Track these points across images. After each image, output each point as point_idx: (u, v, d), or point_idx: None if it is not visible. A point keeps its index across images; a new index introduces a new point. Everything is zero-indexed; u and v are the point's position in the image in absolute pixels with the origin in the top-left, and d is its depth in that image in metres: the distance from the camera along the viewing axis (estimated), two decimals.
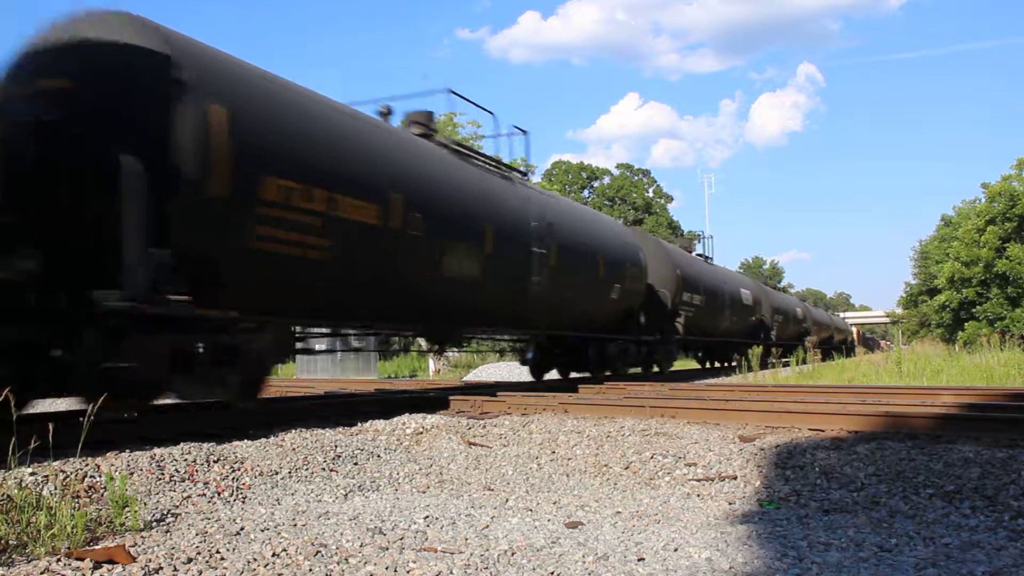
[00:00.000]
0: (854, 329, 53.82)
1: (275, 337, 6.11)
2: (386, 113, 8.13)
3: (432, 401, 7.63)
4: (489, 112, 11.62)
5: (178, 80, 5.18)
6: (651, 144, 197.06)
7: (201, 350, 5.29)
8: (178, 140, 5.08)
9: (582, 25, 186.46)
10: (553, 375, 12.91)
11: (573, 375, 12.75)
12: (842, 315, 70.53)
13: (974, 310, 31.31)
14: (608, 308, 11.63)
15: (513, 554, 2.59)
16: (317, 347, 9.61)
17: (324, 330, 8.04)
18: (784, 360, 22.84)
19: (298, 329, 7.25)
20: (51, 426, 3.14)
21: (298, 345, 7.42)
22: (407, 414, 6.22)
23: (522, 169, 11.58)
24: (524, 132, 10.67)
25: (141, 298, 4.72)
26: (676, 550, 2.67)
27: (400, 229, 6.94)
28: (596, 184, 56.44)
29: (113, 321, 4.64)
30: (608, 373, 12.45)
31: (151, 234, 4.82)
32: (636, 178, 58.17)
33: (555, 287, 9.71)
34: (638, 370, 14.02)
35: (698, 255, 18.99)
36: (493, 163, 9.56)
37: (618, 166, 59.70)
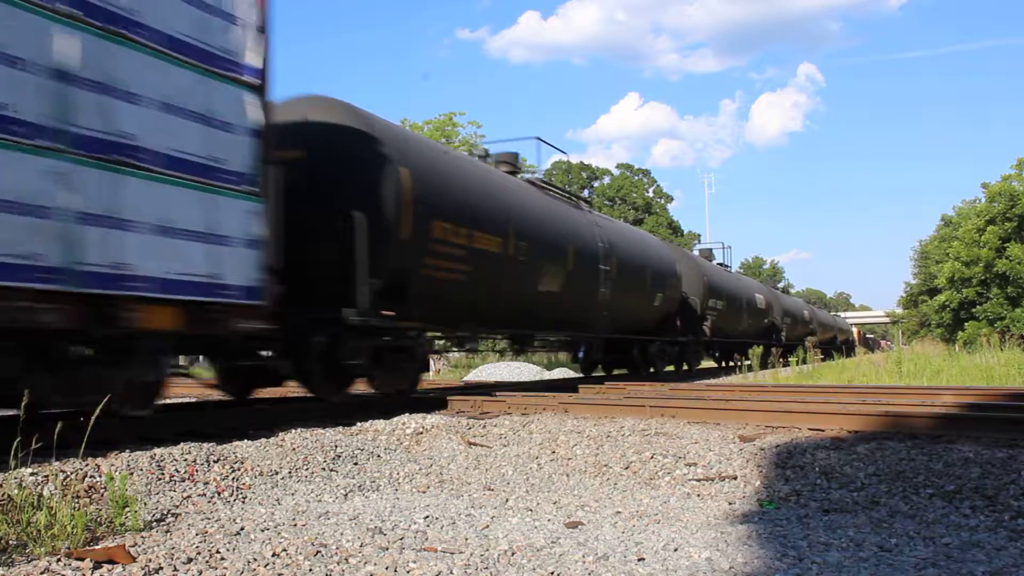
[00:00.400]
0: (855, 330, 53.90)
1: (430, 339, 8.47)
2: (483, 156, 10.49)
3: (432, 401, 7.63)
4: (564, 153, 15.18)
5: (381, 153, 6.91)
6: (651, 144, 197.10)
7: (391, 350, 7.33)
8: (384, 197, 6.83)
9: (582, 25, 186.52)
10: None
11: (616, 371, 14.81)
12: (842, 315, 70.63)
13: (974, 310, 31.30)
14: (652, 313, 13.65)
15: (513, 554, 2.59)
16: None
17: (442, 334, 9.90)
18: (784, 360, 23.05)
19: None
20: (58, 425, 3.15)
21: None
22: (407, 414, 6.22)
23: (586, 198, 13.62)
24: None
25: (367, 314, 6.55)
26: (676, 550, 2.67)
27: (513, 255, 8.85)
28: (596, 184, 56.43)
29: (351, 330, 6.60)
30: (652, 370, 14.26)
31: (371, 267, 6.57)
32: (636, 178, 58.15)
33: (614, 297, 11.62)
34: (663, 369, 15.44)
35: (718, 263, 20.94)
36: (566, 194, 12.08)
37: (618, 166, 59.71)
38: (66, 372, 4.61)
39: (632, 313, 12.75)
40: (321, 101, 7.11)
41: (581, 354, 13.84)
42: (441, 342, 10.10)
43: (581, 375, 15.10)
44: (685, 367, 16.23)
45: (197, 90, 5.09)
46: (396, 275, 7.02)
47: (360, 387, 7.54)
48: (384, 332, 7.11)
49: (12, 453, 3.01)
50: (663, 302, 13.77)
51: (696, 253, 19.53)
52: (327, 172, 6.71)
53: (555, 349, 13.75)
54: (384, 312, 6.82)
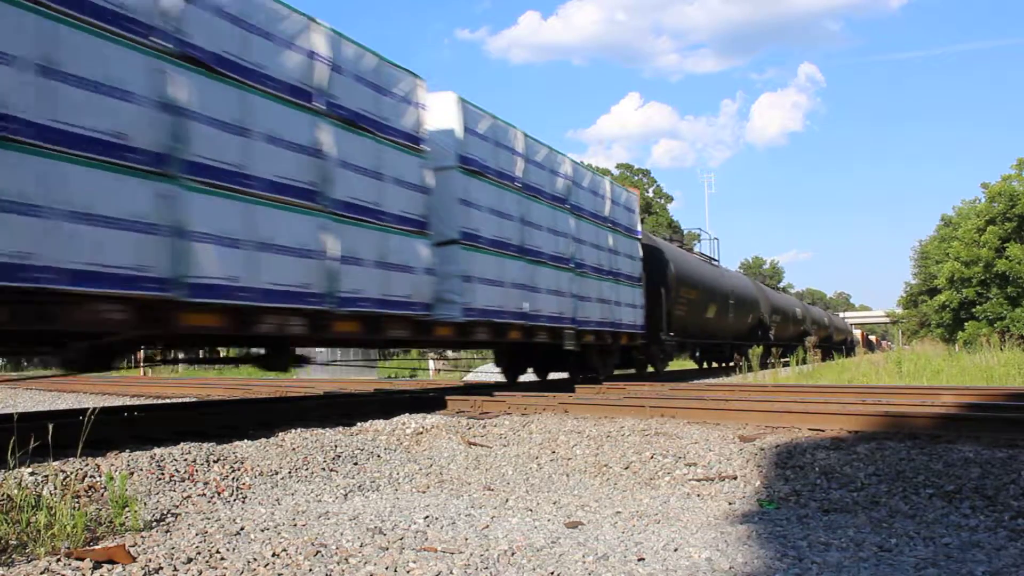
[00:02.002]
0: (858, 332, 54.02)
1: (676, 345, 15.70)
2: (675, 238, 18.94)
3: (432, 401, 7.63)
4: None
5: (665, 259, 14.39)
6: (651, 144, 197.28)
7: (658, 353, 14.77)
8: (667, 278, 14.27)
9: (582, 25, 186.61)
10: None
11: (714, 365, 22.32)
12: (842, 315, 70.65)
13: (974, 310, 31.29)
14: (746, 327, 21.21)
15: (513, 554, 2.59)
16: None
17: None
18: (784, 360, 23.52)
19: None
20: (50, 426, 3.15)
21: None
22: (407, 414, 6.22)
23: (715, 258, 20.86)
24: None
25: (668, 335, 14.17)
26: (676, 550, 2.67)
27: (701, 300, 16.65)
28: None
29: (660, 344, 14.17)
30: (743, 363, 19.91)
31: (664, 310, 14.06)
32: (636, 178, 58.15)
33: (733, 318, 19.40)
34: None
35: (761, 281, 28.15)
36: (707, 257, 19.97)
37: (618, 166, 59.72)
38: (577, 359, 11.99)
39: (739, 327, 20.34)
40: (647, 235, 14.65)
41: (697, 353, 21.21)
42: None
43: (696, 367, 22.28)
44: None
45: (602, 235, 11.93)
46: (669, 314, 14.37)
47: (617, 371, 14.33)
48: (661, 342, 14.20)
49: (10, 452, 3.01)
50: (751, 318, 21.48)
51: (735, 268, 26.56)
52: (650, 268, 13.80)
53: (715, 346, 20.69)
54: (671, 334, 14.53)
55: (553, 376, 12.92)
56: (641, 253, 13.32)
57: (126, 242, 4.45)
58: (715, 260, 20.65)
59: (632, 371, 15.53)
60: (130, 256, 4.48)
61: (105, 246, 4.33)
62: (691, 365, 23.26)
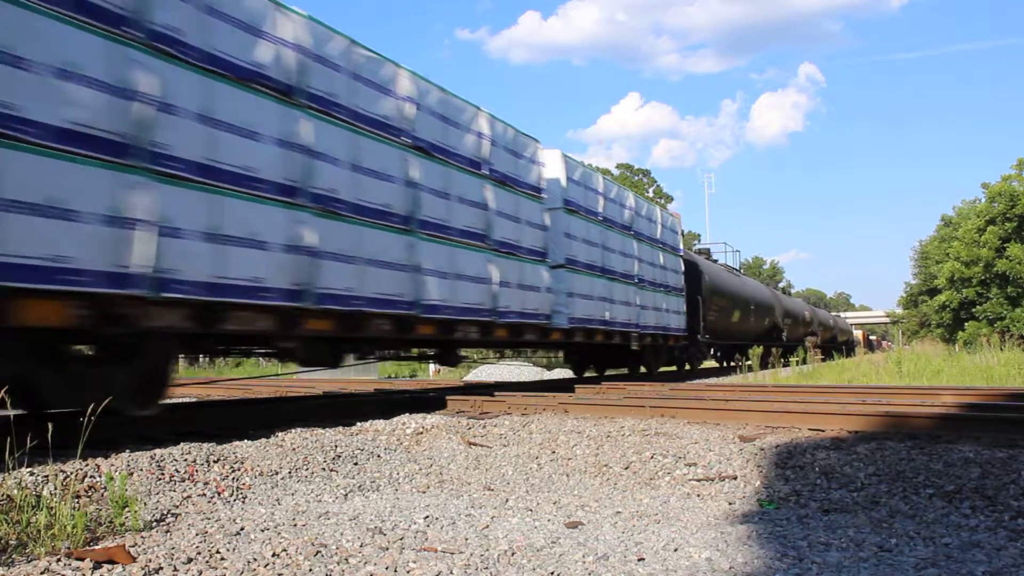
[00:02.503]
0: (859, 332, 54.13)
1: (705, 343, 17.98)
2: (704, 252, 21.16)
3: (432, 401, 7.63)
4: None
5: (700, 270, 17.02)
6: (652, 144, 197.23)
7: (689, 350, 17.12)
8: (703, 288, 16.84)
9: (582, 25, 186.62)
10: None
11: (732, 364, 23.69)
12: (842, 315, 70.67)
13: (974, 310, 31.29)
14: (763, 329, 23.39)
15: (513, 554, 2.59)
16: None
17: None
18: (784, 360, 23.78)
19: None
20: (50, 426, 3.14)
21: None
22: (407, 414, 6.22)
23: (738, 269, 23.15)
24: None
25: (703, 337, 16.74)
26: (676, 550, 2.67)
27: (729, 307, 18.87)
28: None
29: (696, 342, 16.82)
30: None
31: (701, 316, 16.73)
32: (636, 178, 58.15)
33: (754, 322, 21.70)
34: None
35: (775, 288, 31.56)
36: (732, 268, 23.41)
37: (618, 166, 59.72)
38: (618, 357, 14.64)
39: (759, 329, 22.50)
40: (687, 252, 17.23)
41: (719, 353, 22.60)
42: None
43: (717, 365, 23.32)
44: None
45: (655, 255, 14.36)
46: (704, 319, 16.65)
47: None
48: (693, 341, 16.35)
49: (9, 452, 3.01)
50: (768, 321, 23.66)
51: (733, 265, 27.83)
52: (689, 280, 16.17)
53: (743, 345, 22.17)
54: (705, 335, 16.76)
55: (610, 372, 15.71)
56: (683, 268, 16.01)
57: (392, 278, 6.71)
58: (738, 271, 24.75)
59: (629, 371, 16.03)
60: (394, 287, 6.73)
61: (383, 281, 6.59)
62: (712, 364, 23.79)
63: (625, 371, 15.27)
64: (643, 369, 15.08)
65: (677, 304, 15.32)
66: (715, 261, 21.90)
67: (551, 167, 10.25)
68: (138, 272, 4.47)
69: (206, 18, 4.99)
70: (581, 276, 10.74)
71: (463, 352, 9.79)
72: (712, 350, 20.92)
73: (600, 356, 14.94)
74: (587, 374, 15.39)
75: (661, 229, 14.77)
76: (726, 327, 19.05)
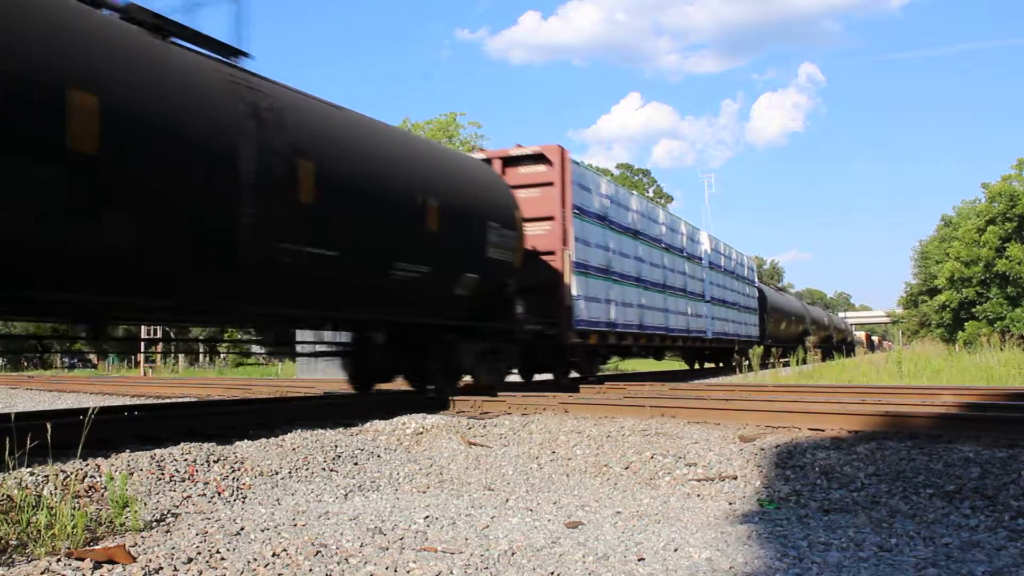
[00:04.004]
0: (862, 334, 54.44)
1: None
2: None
3: (432, 401, 7.63)
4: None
5: (764, 295, 27.41)
6: (652, 144, 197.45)
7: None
8: (766, 307, 27.75)
9: (582, 26, 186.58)
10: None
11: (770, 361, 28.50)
12: (842, 315, 70.82)
13: (974, 310, 31.33)
14: (797, 334, 28.64)
15: (513, 554, 2.59)
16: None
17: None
18: (784, 360, 24.15)
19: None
20: (49, 425, 3.15)
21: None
22: (407, 414, 6.21)
23: (751, 265, 25.82)
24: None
25: (767, 342, 25.15)
26: (676, 550, 2.67)
27: (779, 318, 27.09)
28: None
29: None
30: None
31: (765, 326, 28.47)
32: (636, 178, 58.17)
33: (792, 329, 28.47)
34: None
35: (762, 282, 34.56)
36: (782, 289, 37.62)
37: (618, 166, 59.76)
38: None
39: (789, 334, 27.76)
40: (758, 284, 25.06)
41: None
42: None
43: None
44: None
45: (741, 287, 22.62)
46: (765, 328, 24.51)
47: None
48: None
49: (9, 452, 3.01)
50: (800, 329, 29.03)
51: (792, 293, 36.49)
52: (760, 301, 24.31)
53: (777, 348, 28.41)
54: (767, 340, 23.93)
55: (673, 367, 23.82)
56: (757, 295, 23.95)
57: (656, 316, 14.37)
58: (784, 291, 30.86)
59: (630, 372, 16.88)
60: (659, 320, 14.53)
61: (658, 317, 14.51)
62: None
63: (715, 365, 23.09)
64: (734, 361, 20.54)
65: (754, 319, 23.45)
66: (769, 285, 30.96)
67: (704, 242, 18.25)
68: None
69: (627, 211, 13.42)
70: (714, 306, 18.51)
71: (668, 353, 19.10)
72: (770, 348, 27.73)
73: (708, 355, 22.69)
74: (695, 367, 23.19)
75: (747, 270, 23.23)
76: (776, 332, 27.14)
